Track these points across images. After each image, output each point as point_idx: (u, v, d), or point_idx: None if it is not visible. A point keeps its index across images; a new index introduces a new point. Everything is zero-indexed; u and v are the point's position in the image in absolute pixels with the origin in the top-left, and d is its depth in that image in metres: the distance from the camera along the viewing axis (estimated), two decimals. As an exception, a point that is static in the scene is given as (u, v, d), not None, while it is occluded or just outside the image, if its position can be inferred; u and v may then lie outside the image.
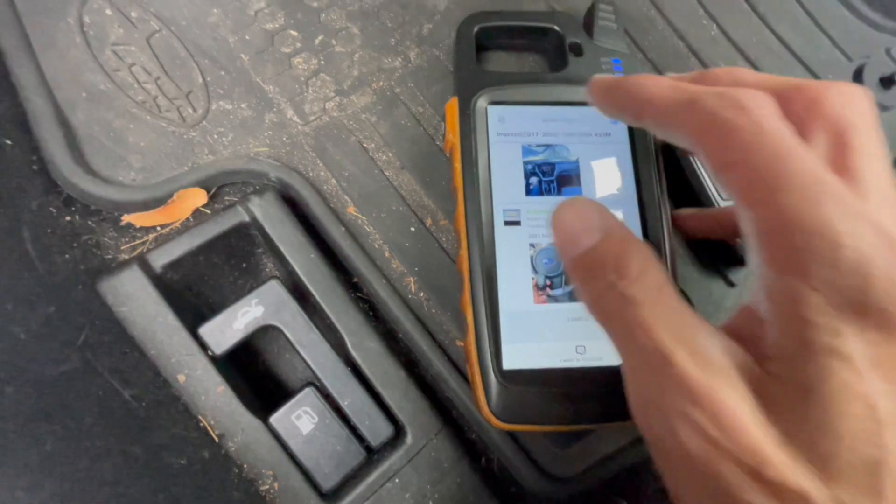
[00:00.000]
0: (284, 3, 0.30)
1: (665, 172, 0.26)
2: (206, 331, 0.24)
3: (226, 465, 0.23)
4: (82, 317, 0.22)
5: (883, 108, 0.35)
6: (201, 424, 0.23)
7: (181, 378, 0.23)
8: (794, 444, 0.13)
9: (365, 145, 0.29)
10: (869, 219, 0.14)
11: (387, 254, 0.27)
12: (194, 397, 0.23)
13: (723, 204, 0.27)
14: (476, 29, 0.29)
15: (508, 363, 0.23)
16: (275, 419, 0.23)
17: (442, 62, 0.31)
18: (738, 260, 0.28)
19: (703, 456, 0.14)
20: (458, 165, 0.25)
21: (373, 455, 0.25)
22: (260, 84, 0.29)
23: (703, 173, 0.28)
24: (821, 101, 0.16)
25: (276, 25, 0.30)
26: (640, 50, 0.33)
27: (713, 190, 0.28)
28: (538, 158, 0.26)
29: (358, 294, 0.27)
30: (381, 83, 0.30)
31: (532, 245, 0.25)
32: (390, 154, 0.29)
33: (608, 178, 0.26)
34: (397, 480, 0.24)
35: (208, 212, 0.27)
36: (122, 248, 0.26)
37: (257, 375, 0.27)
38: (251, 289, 0.25)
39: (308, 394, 0.24)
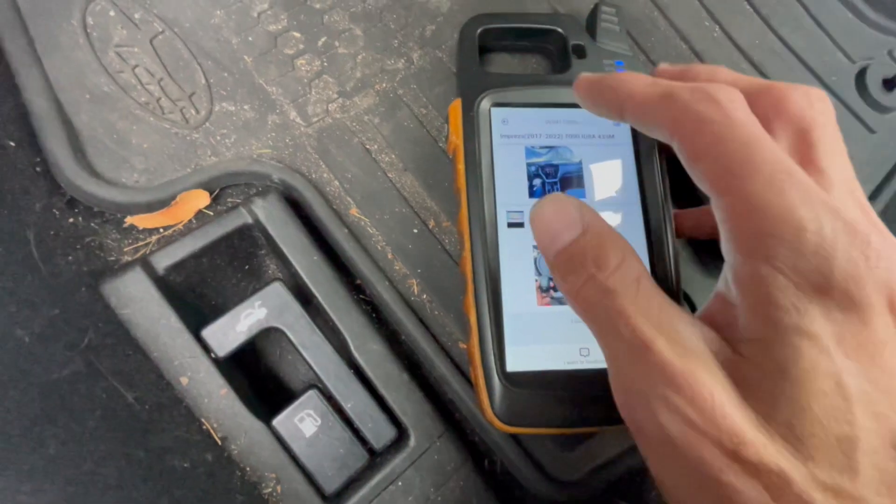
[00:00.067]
0: (287, 4, 0.30)
1: (668, 174, 0.26)
2: (209, 333, 0.24)
3: (229, 468, 0.23)
4: (86, 319, 0.22)
5: (886, 109, 0.35)
6: (204, 427, 0.23)
7: (184, 380, 0.23)
8: (770, 425, 0.14)
9: (368, 147, 0.29)
10: (831, 206, 0.14)
11: (390, 256, 0.27)
12: (197, 400, 0.23)
13: None
14: (479, 31, 0.29)
15: (512, 365, 0.23)
16: (278, 422, 0.23)
17: (445, 64, 0.31)
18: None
19: (683, 438, 0.14)
20: (461, 167, 0.25)
21: (376, 458, 0.25)
22: (263, 86, 0.29)
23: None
24: (786, 100, 0.17)
25: (279, 27, 0.30)
26: (642, 52, 0.33)
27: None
28: (541, 160, 0.26)
29: (361, 296, 0.27)
30: (384, 85, 0.30)
31: (535, 247, 0.25)
32: (393, 156, 0.29)
33: (611, 180, 0.26)
34: (400, 483, 0.24)
35: (211, 213, 0.27)
36: (125, 249, 0.26)
37: (260, 378, 0.27)
38: (254, 291, 0.25)
39: (311, 396, 0.24)
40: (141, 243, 0.26)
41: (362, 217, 0.27)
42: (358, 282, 0.27)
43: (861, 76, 0.35)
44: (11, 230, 0.22)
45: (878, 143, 0.35)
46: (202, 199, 0.26)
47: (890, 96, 0.35)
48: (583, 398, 0.23)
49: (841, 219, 0.14)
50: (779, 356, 0.14)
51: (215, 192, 0.27)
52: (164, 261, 0.24)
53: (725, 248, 0.16)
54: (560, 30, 0.30)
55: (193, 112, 0.27)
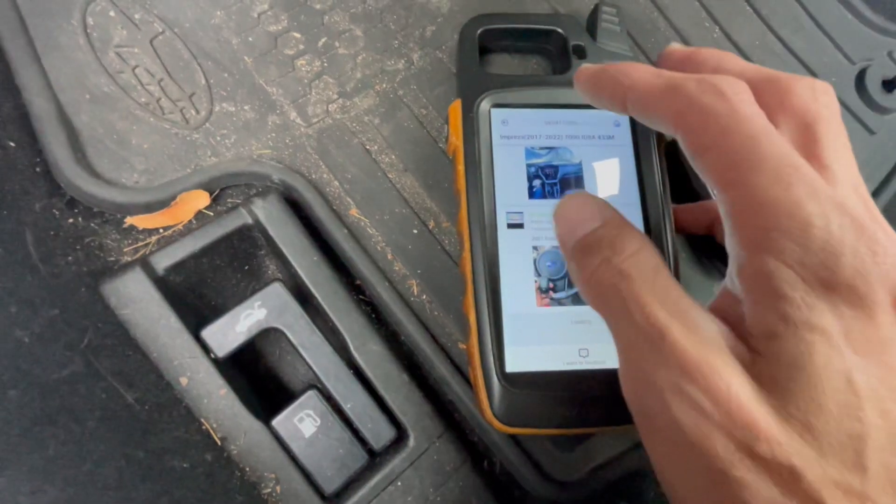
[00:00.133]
0: (288, 5, 0.30)
1: (668, 175, 0.26)
2: (208, 333, 0.24)
3: (228, 469, 0.23)
4: (85, 319, 0.22)
5: (885, 110, 0.35)
6: (204, 427, 0.23)
7: (184, 381, 0.23)
8: (787, 420, 0.13)
9: (368, 147, 0.29)
10: (837, 201, 0.14)
11: (389, 256, 0.27)
12: (197, 400, 0.23)
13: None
14: (479, 31, 0.29)
15: (511, 366, 0.23)
16: (277, 422, 0.23)
17: (445, 64, 0.31)
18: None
19: (696, 430, 0.14)
20: (461, 168, 0.25)
21: (375, 458, 0.25)
22: (263, 86, 0.29)
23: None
24: (790, 93, 0.17)
25: (280, 27, 0.30)
26: (642, 52, 0.33)
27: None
28: (541, 161, 0.26)
29: (360, 296, 0.27)
30: (384, 85, 0.30)
31: (535, 248, 0.25)
32: (393, 156, 0.29)
33: (611, 180, 0.26)
34: (399, 484, 0.24)
35: (211, 214, 0.27)
36: (125, 250, 0.26)
37: (260, 378, 0.27)
38: (254, 291, 0.25)
39: (310, 396, 0.24)
40: (141, 244, 0.26)
41: (362, 217, 0.27)
42: (358, 282, 0.27)
43: (861, 77, 0.35)
44: (11, 230, 0.22)
45: (878, 144, 0.35)
46: (202, 199, 0.26)
47: (889, 97, 0.35)
48: (582, 399, 0.23)
49: (848, 214, 0.14)
50: (792, 351, 0.14)
51: (215, 193, 0.27)
52: (163, 261, 0.24)
53: (730, 242, 0.16)
54: (560, 30, 0.30)
55: (193, 112, 0.27)
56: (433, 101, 0.30)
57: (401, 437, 0.25)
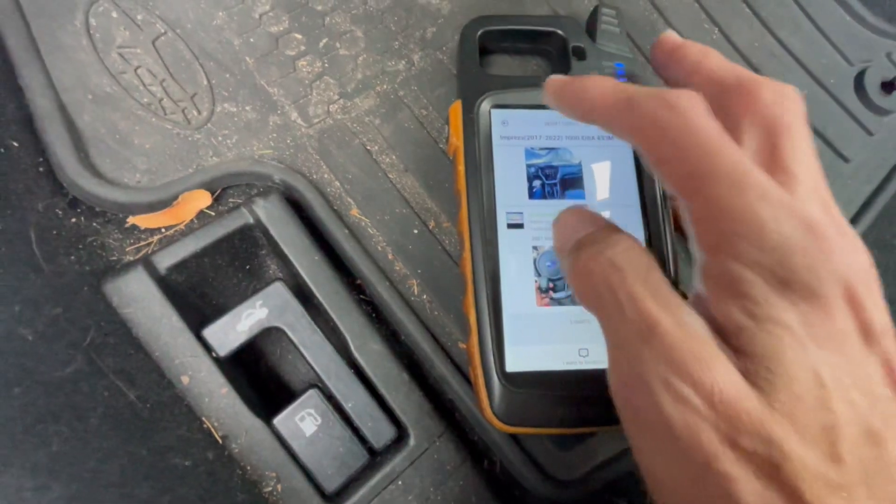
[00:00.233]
0: (289, 6, 0.30)
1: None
2: (210, 332, 0.24)
3: (230, 467, 0.23)
4: (88, 318, 0.22)
5: (884, 112, 0.35)
6: (205, 426, 0.23)
7: (185, 379, 0.23)
8: (772, 414, 0.14)
9: (368, 148, 0.29)
10: (789, 205, 0.15)
11: (390, 256, 0.27)
12: (198, 399, 0.23)
13: None
14: (479, 32, 0.30)
15: (511, 365, 0.23)
16: (278, 421, 0.24)
17: (445, 65, 0.31)
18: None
19: (683, 424, 0.14)
20: (461, 168, 0.25)
21: (376, 457, 0.25)
22: (264, 86, 0.29)
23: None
24: (755, 98, 0.18)
25: (281, 28, 0.30)
26: (642, 54, 0.33)
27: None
28: (541, 161, 0.26)
29: (361, 296, 0.28)
30: (385, 86, 0.30)
31: (535, 248, 0.25)
32: (394, 157, 0.29)
33: (611, 181, 0.26)
34: (400, 483, 0.24)
35: (213, 214, 0.27)
36: (127, 249, 0.26)
37: (261, 377, 0.27)
38: (255, 291, 0.25)
39: (311, 396, 0.24)
40: (143, 243, 0.26)
41: (363, 217, 0.27)
42: (358, 282, 0.28)
43: (859, 79, 0.35)
44: (15, 230, 0.22)
45: (877, 146, 0.35)
46: (204, 199, 0.26)
47: (888, 99, 0.35)
48: (582, 398, 0.23)
49: (798, 216, 0.15)
50: (764, 344, 0.14)
51: (217, 193, 0.27)
52: (165, 260, 0.24)
53: (694, 247, 0.17)
54: (560, 32, 0.30)
55: (195, 113, 0.28)
56: (434, 102, 0.30)
57: (401, 436, 0.25)
